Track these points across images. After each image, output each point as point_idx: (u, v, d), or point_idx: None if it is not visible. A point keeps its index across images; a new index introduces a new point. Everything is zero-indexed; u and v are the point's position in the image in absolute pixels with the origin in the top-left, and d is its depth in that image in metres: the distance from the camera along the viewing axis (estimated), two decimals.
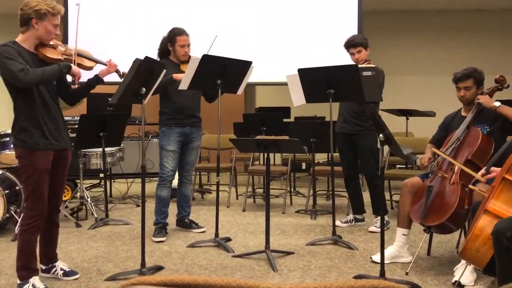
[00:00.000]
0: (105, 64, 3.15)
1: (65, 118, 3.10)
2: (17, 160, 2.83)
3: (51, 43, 2.88)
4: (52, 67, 2.76)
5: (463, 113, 3.46)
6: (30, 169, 2.76)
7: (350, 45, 4.22)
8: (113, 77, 3.28)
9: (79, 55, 3.03)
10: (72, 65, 2.85)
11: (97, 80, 3.07)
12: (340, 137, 4.40)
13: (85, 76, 3.04)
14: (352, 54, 4.22)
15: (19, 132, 2.77)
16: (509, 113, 3.13)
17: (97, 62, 3.14)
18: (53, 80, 2.80)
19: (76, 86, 2.92)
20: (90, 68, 3.11)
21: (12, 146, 4.21)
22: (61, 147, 2.92)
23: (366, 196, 4.52)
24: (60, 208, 3.21)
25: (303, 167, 7.68)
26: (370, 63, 4.16)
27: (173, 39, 4.03)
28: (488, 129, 3.27)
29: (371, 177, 4.27)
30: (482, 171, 2.71)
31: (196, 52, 3.99)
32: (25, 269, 2.83)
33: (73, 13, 2.97)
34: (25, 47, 2.77)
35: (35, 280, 2.84)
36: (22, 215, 2.91)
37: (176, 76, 3.90)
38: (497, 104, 3.17)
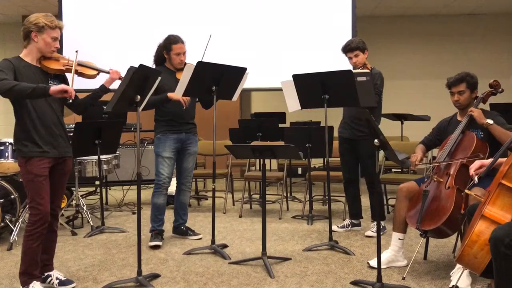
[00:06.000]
0: (108, 73, 3.22)
1: None
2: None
3: (52, 56, 2.99)
4: (26, 83, 2.75)
5: (458, 118, 3.49)
6: (28, 176, 2.85)
7: (347, 49, 4.22)
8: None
9: (81, 64, 3.13)
10: (53, 87, 2.76)
11: (103, 89, 3.17)
12: (340, 141, 4.41)
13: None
14: (349, 58, 4.23)
15: (16, 142, 2.90)
16: (500, 135, 3.15)
17: (99, 70, 3.22)
18: (24, 96, 2.74)
19: (69, 101, 2.89)
20: (93, 77, 3.19)
21: (6, 155, 4.23)
22: (59, 155, 2.97)
23: (364, 201, 4.53)
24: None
25: (299, 172, 7.69)
26: (368, 67, 4.16)
27: (168, 47, 4.03)
28: (482, 135, 3.29)
29: (371, 183, 4.27)
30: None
31: (192, 58, 3.99)
32: (27, 275, 2.89)
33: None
34: (27, 61, 2.90)
35: (35, 285, 2.88)
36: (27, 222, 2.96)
37: (171, 95, 3.88)
38: (490, 122, 3.19)
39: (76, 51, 3.06)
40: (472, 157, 3.08)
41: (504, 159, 2.50)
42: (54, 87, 2.75)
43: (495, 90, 3.39)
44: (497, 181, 2.38)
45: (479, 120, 3.23)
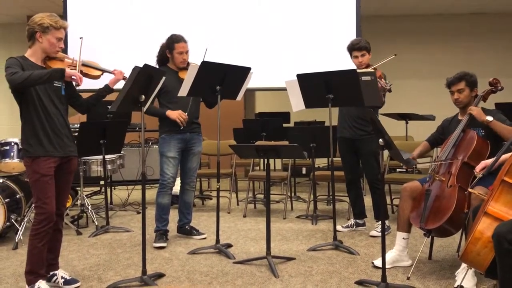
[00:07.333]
0: (112, 73, 3.24)
1: None
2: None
3: (57, 56, 3.00)
4: (41, 70, 2.82)
5: (459, 117, 3.50)
6: (34, 176, 2.87)
7: (354, 48, 4.20)
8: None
9: (85, 65, 3.14)
10: (67, 69, 2.86)
11: (107, 89, 3.20)
12: (341, 142, 4.40)
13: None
14: (355, 57, 4.21)
15: (23, 142, 2.92)
16: (502, 131, 3.15)
17: (103, 71, 3.23)
18: (42, 82, 2.79)
19: (77, 86, 2.97)
20: (97, 77, 3.21)
21: (11, 154, 4.25)
22: (64, 155, 2.98)
23: (367, 201, 4.53)
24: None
25: (304, 172, 7.68)
26: (376, 69, 4.15)
27: (171, 46, 4.04)
28: (483, 133, 3.29)
29: (373, 182, 4.27)
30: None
31: (195, 59, 4.00)
32: (33, 274, 2.91)
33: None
34: (32, 60, 2.92)
35: (41, 283, 2.89)
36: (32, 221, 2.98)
37: (169, 114, 3.95)
38: (490, 119, 3.19)
39: (81, 38, 3.07)
40: (452, 159, 3.14)
41: (509, 154, 2.49)
42: (69, 70, 2.84)
43: (495, 88, 3.40)
44: (500, 178, 2.38)
45: (478, 118, 3.23)
